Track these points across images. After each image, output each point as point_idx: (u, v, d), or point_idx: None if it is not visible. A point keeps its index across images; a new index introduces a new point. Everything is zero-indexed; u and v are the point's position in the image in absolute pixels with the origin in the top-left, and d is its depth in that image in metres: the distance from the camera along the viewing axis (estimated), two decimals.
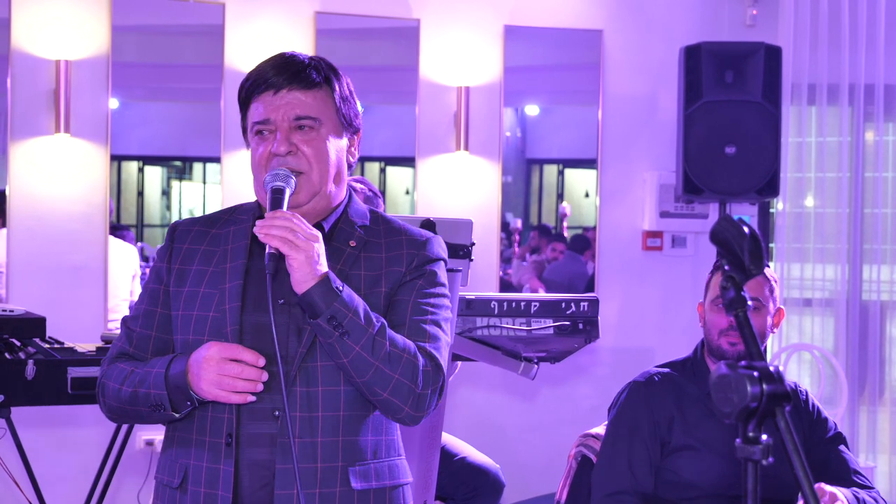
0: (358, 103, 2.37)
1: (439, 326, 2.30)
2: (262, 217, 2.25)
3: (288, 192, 2.20)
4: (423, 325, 2.27)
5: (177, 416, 2.23)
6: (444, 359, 2.28)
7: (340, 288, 2.14)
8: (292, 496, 2.17)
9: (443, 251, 2.37)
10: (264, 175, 2.24)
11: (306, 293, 2.12)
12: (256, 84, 2.26)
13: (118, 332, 4.24)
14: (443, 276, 2.35)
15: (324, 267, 2.15)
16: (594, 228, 6.24)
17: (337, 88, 2.30)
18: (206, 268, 2.30)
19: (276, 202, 2.18)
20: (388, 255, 2.30)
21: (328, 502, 2.21)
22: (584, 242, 6.32)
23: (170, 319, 2.32)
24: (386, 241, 2.33)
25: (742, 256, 1.70)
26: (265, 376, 2.15)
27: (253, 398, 2.16)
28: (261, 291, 2.21)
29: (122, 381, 2.27)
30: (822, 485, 3.04)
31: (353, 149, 2.36)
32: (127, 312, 5.69)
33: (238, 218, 2.36)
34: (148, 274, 2.41)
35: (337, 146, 2.29)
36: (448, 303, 2.36)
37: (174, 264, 2.34)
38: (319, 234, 2.17)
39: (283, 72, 2.25)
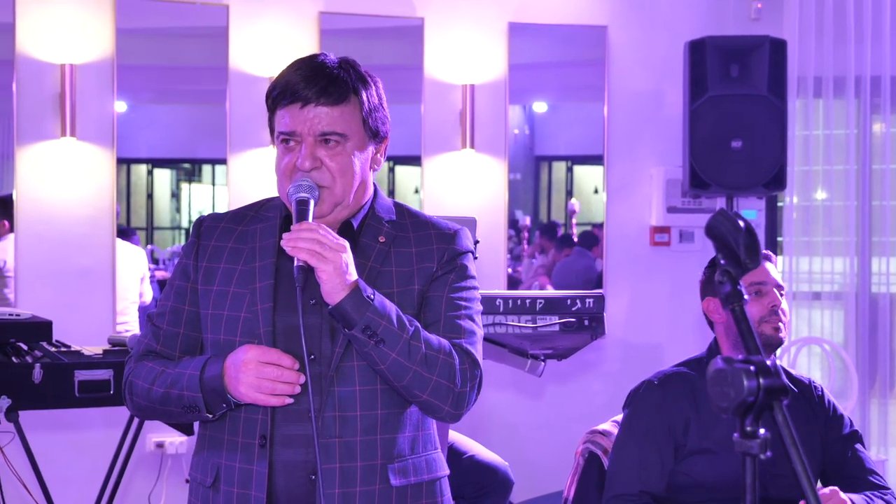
0: (386, 108, 2.35)
1: (473, 320, 2.32)
2: (288, 222, 2.27)
3: (312, 203, 2.20)
4: (458, 320, 2.28)
5: (211, 416, 2.24)
6: (479, 353, 2.30)
7: (372, 296, 2.15)
8: (334, 496, 2.19)
9: (470, 243, 2.39)
10: (288, 184, 2.24)
11: (338, 305, 2.13)
12: (283, 94, 2.25)
13: (127, 334, 4.29)
14: (472, 268, 2.37)
15: (353, 276, 2.15)
16: (603, 225, 6.23)
17: (365, 100, 2.28)
18: (235, 266, 2.30)
19: (302, 213, 2.18)
20: (418, 251, 2.31)
21: (368, 500, 2.22)
22: (592, 239, 6.31)
23: (198, 317, 2.32)
24: (414, 236, 2.33)
25: (738, 250, 1.69)
26: (303, 379, 2.16)
27: (291, 401, 2.17)
28: (292, 292, 2.20)
29: (152, 381, 2.28)
30: (838, 491, 3.01)
31: (378, 156, 2.36)
32: (135, 315, 5.73)
33: (265, 215, 2.36)
34: (173, 270, 2.40)
35: (362, 158, 2.29)
36: (479, 294, 2.38)
37: (201, 262, 2.33)
38: (347, 244, 2.17)
39: (313, 84, 2.22)
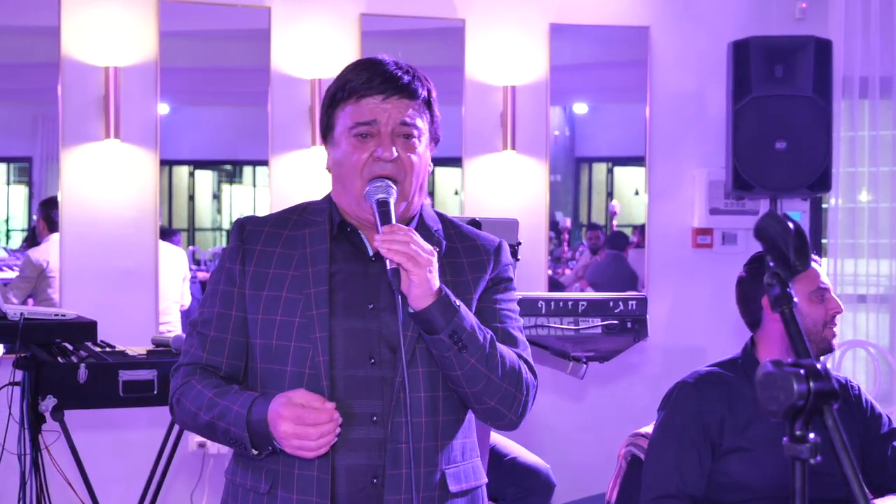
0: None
1: (521, 331, 2.35)
2: (342, 228, 2.28)
3: (392, 203, 2.19)
4: (511, 330, 2.31)
5: (256, 454, 2.20)
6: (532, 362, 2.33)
7: (458, 303, 2.16)
8: (400, 501, 2.18)
9: (510, 256, 2.42)
10: (357, 181, 2.23)
11: (426, 309, 2.13)
12: (361, 87, 2.24)
13: (169, 335, 4.30)
14: (514, 280, 2.41)
15: (437, 282, 2.15)
16: (643, 226, 6.21)
17: (434, 102, 2.31)
18: (286, 272, 2.27)
19: (385, 215, 2.17)
20: (469, 261, 2.32)
21: None
22: (623, 239, 6.29)
23: (245, 322, 2.29)
24: (462, 247, 2.34)
25: (787, 253, 1.67)
26: (339, 420, 2.12)
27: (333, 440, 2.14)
28: (349, 296, 2.21)
29: (199, 406, 2.24)
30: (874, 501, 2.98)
31: (429, 159, 2.36)
32: (178, 316, 5.76)
33: (312, 220, 2.33)
34: (214, 273, 2.35)
35: (426, 158, 2.30)
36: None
37: (248, 266, 2.29)
38: (435, 250, 2.17)
39: (393, 80, 2.24)
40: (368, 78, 2.24)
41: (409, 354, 2.19)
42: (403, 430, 2.19)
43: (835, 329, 3.18)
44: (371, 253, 2.28)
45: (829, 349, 3.20)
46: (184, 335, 4.19)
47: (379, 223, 2.17)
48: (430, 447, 2.23)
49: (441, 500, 2.24)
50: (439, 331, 2.13)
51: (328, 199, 2.36)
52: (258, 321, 2.26)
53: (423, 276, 2.11)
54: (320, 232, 2.30)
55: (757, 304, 3.20)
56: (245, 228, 2.33)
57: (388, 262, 2.11)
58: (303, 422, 2.09)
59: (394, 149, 2.22)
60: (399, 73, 2.25)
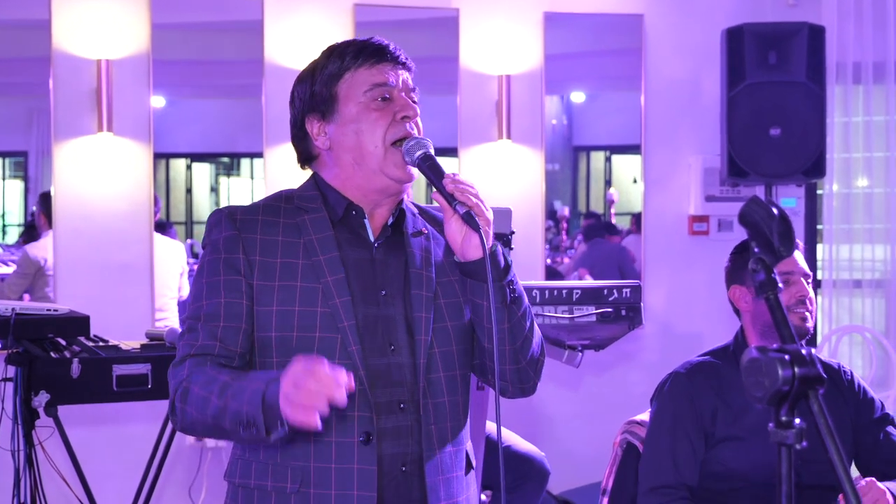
0: None
1: None
2: (349, 211, 2.24)
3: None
4: None
5: (266, 437, 1.98)
6: None
7: (510, 259, 2.20)
8: (438, 482, 2.19)
9: None
10: (381, 147, 2.19)
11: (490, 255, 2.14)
12: (374, 55, 2.22)
13: (165, 329, 4.28)
14: None
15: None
16: (641, 214, 6.20)
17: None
18: (295, 260, 2.18)
19: (437, 168, 2.17)
20: (444, 242, 2.29)
21: (459, 484, 2.24)
22: (599, 225, 6.30)
23: (252, 312, 2.17)
24: (433, 229, 2.32)
25: (771, 238, 1.67)
26: (345, 383, 1.89)
27: (318, 424, 1.89)
28: (361, 283, 2.18)
29: (210, 391, 2.06)
30: (875, 481, 2.96)
31: None
32: (175, 310, 5.73)
33: (306, 206, 2.25)
34: (205, 265, 2.22)
35: None
36: None
37: (252, 256, 2.18)
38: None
39: (395, 53, 2.24)
40: (377, 49, 2.23)
41: (431, 335, 2.19)
42: (430, 412, 2.18)
43: (806, 313, 3.14)
44: (373, 238, 2.24)
45: (801, 333, 3.14)
46: (178, 329, 4.21)
47: (433, 177, 2.15)
48: (454, 426, 2.23)
49: (468, 478, 2.28)
50: (499, 279, 2.15)
51: (312, 185, 2.29)
52: (272, 313, 2.16)
53: (489, 222, 2.13)
54: (320, 219, 2.23)
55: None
56: (236, 217, 2.22)
57: (457, 206, 2.11)
58: (310, 367, 1.89)
59: (416, 106, 2.23)
60: (397, 52, 2.25)
